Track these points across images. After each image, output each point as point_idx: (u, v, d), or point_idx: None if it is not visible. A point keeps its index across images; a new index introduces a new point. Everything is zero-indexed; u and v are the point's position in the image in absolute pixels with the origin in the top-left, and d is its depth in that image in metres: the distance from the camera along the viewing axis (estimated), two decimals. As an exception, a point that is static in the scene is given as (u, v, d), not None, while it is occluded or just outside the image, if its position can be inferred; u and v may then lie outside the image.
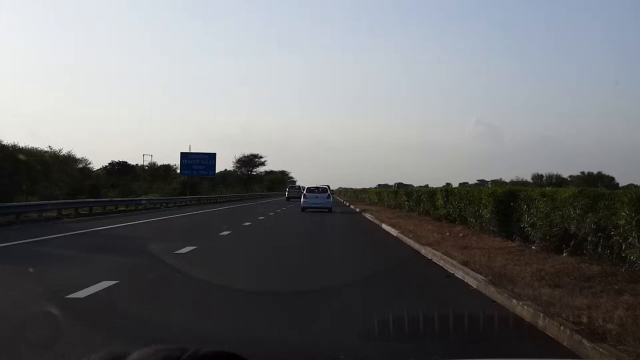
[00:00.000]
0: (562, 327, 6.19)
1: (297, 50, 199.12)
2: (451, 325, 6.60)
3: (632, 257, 9.27)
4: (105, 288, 8.76)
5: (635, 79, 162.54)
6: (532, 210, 13.92)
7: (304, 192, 42.11)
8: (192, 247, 14.62)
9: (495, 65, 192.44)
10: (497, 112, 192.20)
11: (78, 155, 53.66)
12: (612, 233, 10.17)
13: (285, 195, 73.30)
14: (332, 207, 40.27)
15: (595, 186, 30.68)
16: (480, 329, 6.74)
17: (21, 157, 39.73)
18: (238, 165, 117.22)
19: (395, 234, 20.58)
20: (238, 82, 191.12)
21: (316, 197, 40.10)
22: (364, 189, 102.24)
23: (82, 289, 8.47)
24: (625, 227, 9.43)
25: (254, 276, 10.95)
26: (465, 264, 11.13)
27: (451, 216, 23.26)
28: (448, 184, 57.63)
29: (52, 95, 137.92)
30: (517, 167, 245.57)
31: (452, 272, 11.13)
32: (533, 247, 13.46)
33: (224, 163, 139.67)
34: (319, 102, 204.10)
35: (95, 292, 8.42)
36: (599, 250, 10.70)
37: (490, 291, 8.65)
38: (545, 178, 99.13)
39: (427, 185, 65.16)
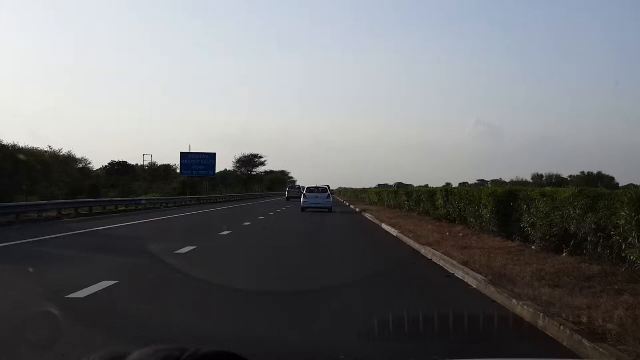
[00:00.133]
0: (562, 327, 6.19)
1: (297, 50, 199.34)
2: (451, 325, 6.60)
3: (632, 257, 9.27)
4: (105, 288, 8.76)
5: (635, 79, 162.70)
6: (532, 210, 13.92)
7: (304, 192, 42.11)
8: (192, 247, 14.62)
9: (495, 65, 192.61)
10: (497, 112, 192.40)
11: (78, 155, 53.76)
12: (612, 233, 10.17)
13: (285, 195, 73.30)
14: (332, 207, 40.27)
15: (595, 186, 30.68)
16: (480, 329, 6.74)
17: (21, 157, 39.73)
18: (238, 165, 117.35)
19: (395, 234, 20.58)
20: (238, 82, 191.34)
21: (316, 197, 40.10)
22: (364, 189, 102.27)
23: (82, 289, 8.47)
24: (625, 227, 9.43)
25: (254, 276, 10.95)
26: (465, 264, 11.13)
27: (451, 216, 23.26)
28: (448, 184, 57.67)
29: (52, 95, 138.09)
30: (517, 167, 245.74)
31: (452, 272, 11.13)
32: (533, 247, 13.46)
33: (224, 163, 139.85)
34: (319, 102, 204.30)
35: (95, 292, 8.42)
36: (599, 250, 10.70)
37: (490, 291, 8.65)
38: (545, 178, 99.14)
39: (427, 185, 65.20)
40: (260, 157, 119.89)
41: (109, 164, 73.78)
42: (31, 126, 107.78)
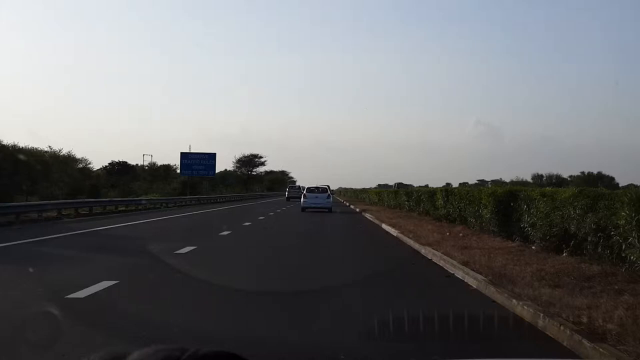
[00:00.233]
0: (562, 327, 6.19)
1: (297, 50, 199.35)
2: (451, 325, 6.60)
3: (632, 257, 9.27)
4: (105, 288, 8.76)
5: (635, 79, 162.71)
6: (532, 210, 13.92)
7: (304, 192, 42.12)
8: (192, 247, 14.62)
9: (495, 65, 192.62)
10: (497, 112, 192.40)
11: (78, 155, 53.76)
12: (612, 233, 10.17)
13: (285, 195, 73.30)
14: (332, 207, 40.27)
15: (595, 186, 30.68)
16: (480, 329, 6.74)
17: (21, 157, 39.73)
18: (238, 165, 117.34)
19: (395, 234, 20.58)
20: (238, 82, 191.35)
21: (316, 197, 40.10)
22: (364, 189, 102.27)
23: (82, 289, 8.47)
24: (625, 227, 9.43)
25: (254, 276, 10.95)
26: (465, 264, 11.13)
27: (451, 216, 23.26)
28: (448, 184, 57.68)
29: (52, 95, 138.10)
30: (517, 167, 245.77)
31: (452, 272, 11.13)
32: (533, 247, 13.46)
33: (224, 163, 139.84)
34: (319, 102, 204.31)
35: (95, 292, 8.42)
36: (599, 250, 10.70)
37: (490, 291, 8.65)
38: (545, 178, 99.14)
39: (427, 185, 65.20)
40: (260, 157, 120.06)
41: (109, 164, 73.87)
42: (31, 126, 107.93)
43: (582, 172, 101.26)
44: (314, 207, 38.77)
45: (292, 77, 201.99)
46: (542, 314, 6.75)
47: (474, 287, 9.45)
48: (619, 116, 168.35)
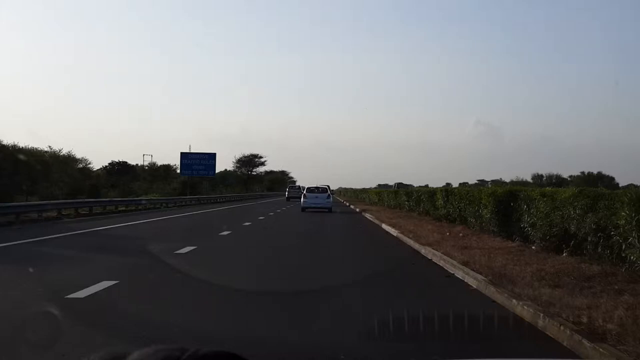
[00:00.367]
0: (562, 327, 6.19)
1: (297, 50, 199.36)
2: (451, 325, 6.60)
3: (632, 257, 9.27)
4: (105, 288, 8.76)
5: (635, 79, 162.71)
6: (532, 210, 13.92)
7: (304, 192, 42.12)
8: (192, 247, 14.62)
9: (495, 65, 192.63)
10: (497, 112, 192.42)
11: (78, 155, 53.76)
12: (612, 233, 10.17)
13: (285, 195, 73.30)
14: (332, 207, 40.27)
15: (595, 186, 30.68)
16: (480, 329, 6.74)
17: (21, 157, 39.72)
18: (238, 165, 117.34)
19: (395, 234, 20.58)
20: (238, 82, 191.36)
21: (316, 197, 40.10)
22: (364, 189, 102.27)
23: (82, 289, 8.47)
24: (625, 227, 9.43)
25: (254, 276, 10.95)
26: (465, 264, 11.13)
27: (451, 216, 23.26)
28: (448, 184, 57.67)
29: (52, 95, 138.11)
30: (517, 167, 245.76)
31: (452, 272, 11.13)
32: (533, 247, 13.46)
33: (224, 163, 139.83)
34: (319, 102, 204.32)
35: (95, 292, 8.42)
36: (599, 250, 10.70)
37: (490, 291, 8.65)
38: (545, 178, 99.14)
39: (427, 185, 65.21)
40: (260, 157, 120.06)
41: (109, 164, 73.87)
42: (31, 126, 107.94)
43: (582, 172, 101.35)
44: (314, 207, 38.77)
45: (292, 77, 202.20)
46: (542, 314, 6.75)
47: (474, 287, 9.45)
48: (619, 116, 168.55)
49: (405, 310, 7.09)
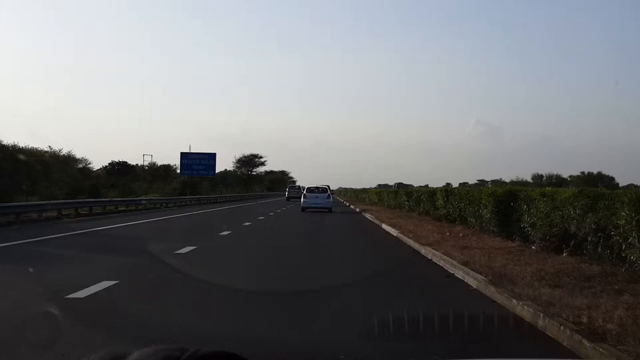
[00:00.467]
0: (562, 327, 6.19)
1: (297, 50, 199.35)
2: (451, 325, 6.60)
3: (632, 257, 9.27)
4: (105, 288, 8.76)
5: (635, 79, 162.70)
6: (532, 210, 13.92)
7: (304, 192, 42.12)
8: (192, 247, 14.62)
9: (495, 65, 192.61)
10: (497, 112, 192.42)
11: (78, 155, 53.75)
12: (612, 233, 10.17)
13: (285, 195, 73.30)
14: (332, 207, 40.27)
15: (595, 186, 30.68)
16: (480, 329, 6.74)
17: (21, 157, 39.72)
18: (238, 165, 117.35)
19: (395, 234, 20.58)
20: (238, 82, 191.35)
21: (316, 197, 40.11)
22: (364, 189, 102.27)
23: (82, 289, 8.47)
24: (625, 227, 9.43)
25: (254, 276, 10.95)
26: (465, 264, 11.13)
27: (451, 216, 23.26)
28: (448, 184, 57.67)
29: (52, 95, 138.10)
30: (517, 167, 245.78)
31: (452, 272, 11.13)
32: (533, 247, 13.46)
33: (224, 163, 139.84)
34: (319, 102, 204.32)
35: (95, 292, 8.41)
36: (599, 250, 10.70)
37: (490, 291, 8.65)
38: (545, 178, 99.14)
39: (427, 185, 65.20)
40: (260, 157, 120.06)
41: (109, 164, 73.86)
42: (31, 126, 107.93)
43: (582, 172, 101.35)
44: (314, 207, 38.78)
45: (292, 77, 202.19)
46: (542, 314, 6.75)
47: (474, 287, 9.45)
48: (619, 116, 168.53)
49: (405, 310, 7.08)
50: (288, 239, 18.97)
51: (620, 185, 76.25)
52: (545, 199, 13.44)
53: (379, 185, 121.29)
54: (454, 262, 11.55)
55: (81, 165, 55.52)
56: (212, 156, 63.98)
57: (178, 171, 67.98)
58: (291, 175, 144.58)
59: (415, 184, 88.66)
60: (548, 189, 15.84)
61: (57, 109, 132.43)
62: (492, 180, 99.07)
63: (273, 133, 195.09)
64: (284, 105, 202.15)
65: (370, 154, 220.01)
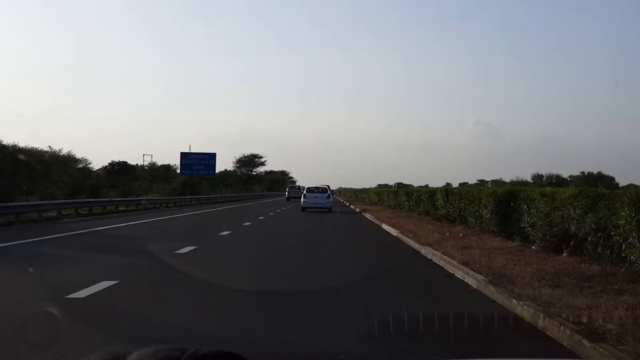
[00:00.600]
0: (562, 327, 6.19)
1: (297, 50, 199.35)
2: (451, 325, 6.60)
3: (632, 257, 9.27)
4: (105, 288, 8.76)
5: (635, 79, 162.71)
6: (532, 210, 13.92)
7: (304, 192, 42.12)
8: (192, 247, 14.62)
9: (495, 65, 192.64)
10: (497, 112, 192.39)
11: (78, 155, 53.74)
12: (612, 233, 10.17)
13: (285, 195, 73.30)
14: (332, 207, 40.27)
15: (595, 186, 30.68)
16: (480, 329, 6.74)
17: (21, 157, 39.72)
18: (238, 165, 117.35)
19: (395, 234, 20.58)
20: (238, 82, 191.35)
21: (316, 197, 40.11)
22: (364, 189, 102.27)
23: (82, 289, 8.47)
24: (625, 227, 9.43)
25: (254, 276, 10.95)
26: (465, 264, 11.13)
27: (451, 216, 23.26)
28: (448, 184, 57.67)
29: (52, 95, 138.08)
30: (517, 167, 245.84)
31: (452, 272, 11.13)
32: (533, 247, 13.46)
33: (224, 163, 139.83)
34: (319, 102, 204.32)
35: (95, 292, 8.42)
36: (599, 250, 10.70)
37: (490, 291, 8.65)
38: (545, 178, 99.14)
39: (427, 185, 65.20)
40: (260, 157, 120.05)
41: (109, 164, 73.87)
42: (31, 126, 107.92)
43: (582, 172, 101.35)
44: (314, 207, 38.78)
45: (292, 77, 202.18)
46: (542, 314, 6.75)
47: (474, 287, 9.45)
48: (619, 116, 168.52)
49: (405, 310, 7.08)
50: (288, 239, 18.97)
51: (620, 185, 76.30)
52: (545, 199, 13.44)
53: (379, 185, 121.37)
54: (454, 262, 11.55)
55: (81, 165, 55.55)
56: (212, 156, 63.99)
57: (178, 171, 67.98)
58: (291, 175, 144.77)
59: (415, 184, 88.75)
60: (548, 189, 15.84)
61: (57, 109, 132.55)
62: (492, 180, 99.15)
63: (273, 133, 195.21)
64: (284, 105, 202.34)
65: (370, 154, 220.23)
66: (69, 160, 49.99)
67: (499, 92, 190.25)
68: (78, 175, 51.60)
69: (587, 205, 11.39)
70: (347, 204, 63.26)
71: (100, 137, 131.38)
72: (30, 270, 10.66)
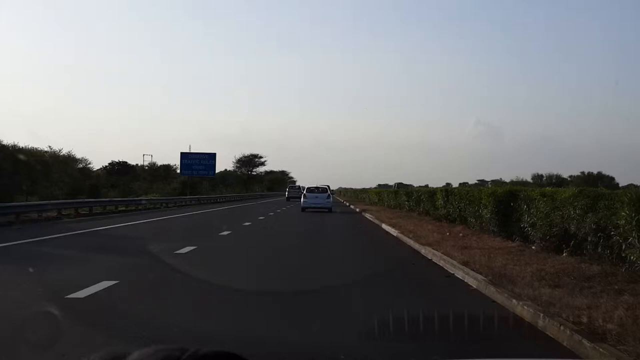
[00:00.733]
0: (562, 327, 6.19)
1: (297, 50, 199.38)
2: (451, 325, 6.60)
3: (632, 257, 9.27)
4: (105, 288, 8.76)
5: (635, 79, 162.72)
6: (532, 210, 13.92)
7: (304, 192, 42.12)
8: (192, 247, 14.62)
9: (495, 65, 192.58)
10: (497, 112, 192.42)
11: (78, 155, 53.74)
12: (612, 233, 10.17)
13: (285, 195, 73.29)
14: (332, 207, 40.27)
15: (595, 186, 30.68)
16: (480, 329, 6.74)
17: (21, 157, 39.72)
18: (238, 165, 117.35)
19: (395, 234, 20.58)
20: (238, 82, 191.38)
21: (316, 197, 40.10)
22: (364, 189, 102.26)
23: (82, 289, 8.47)
24: (625, 227, 9.43)
25: (254, 276, 10.95)
26: (465, 264, 11.13)
27: (451, 216, 23.26)
28: (448, 184, 57.67)
29: (52, 95, 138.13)
30: (517, 167, 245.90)
31: (452, 272, 11.13)
32: (533, 247, 13.46)
33: (224, 163, 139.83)
34: (319, 102, 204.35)
35: (95, 292, 8.42)
36: (599, 250, 10.70)
37: (490, 291, 8.65)
38: (545, 178, 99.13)
39: (427, 185, 65.20)
40: (260, 157, 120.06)
41: (109, 164, 73.87)
42: (31, 126, 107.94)
43: (582, 172, 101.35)
44: (314, 207, 38.78)
45: (292, 77, 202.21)
46: (542, 314, 6.75)
47: (474, 287, 9.45)
48: (619, 116, 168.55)
49: (405, 310, 7.08)
50: (288, 239, 18.97)
51: (620, 185, 76.31)
52: (545, 199, 13.44)
53: (379, 185, 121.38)
54: (454, 262, 11.55)
55: (81, 165, 55.55)
56: (212, 156, 63.99)
57: (178, 171, 67.98)
58: (291, 175, 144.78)
59: (415, 184, 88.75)
60: (548, 189, 15.84)
61: (57, 109, 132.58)
62: (492, 180, 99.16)
63: (273, 133, 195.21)
64: (284, 105, 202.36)
65: (370, 154, 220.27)
66: (69, 160, 49.99)
67: (499, 92, 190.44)
68: (78, 175, 51.60)
69: (587, 205, 11.39)
70: (347, 204, 63.26)
71: (100, 137, 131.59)
72: (30, 270, 10.66)
